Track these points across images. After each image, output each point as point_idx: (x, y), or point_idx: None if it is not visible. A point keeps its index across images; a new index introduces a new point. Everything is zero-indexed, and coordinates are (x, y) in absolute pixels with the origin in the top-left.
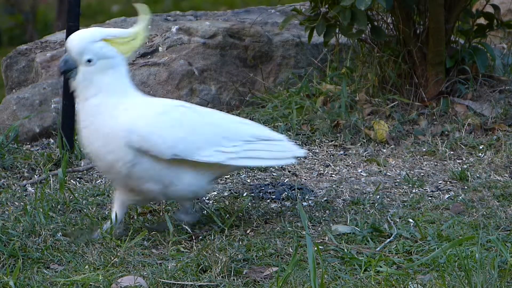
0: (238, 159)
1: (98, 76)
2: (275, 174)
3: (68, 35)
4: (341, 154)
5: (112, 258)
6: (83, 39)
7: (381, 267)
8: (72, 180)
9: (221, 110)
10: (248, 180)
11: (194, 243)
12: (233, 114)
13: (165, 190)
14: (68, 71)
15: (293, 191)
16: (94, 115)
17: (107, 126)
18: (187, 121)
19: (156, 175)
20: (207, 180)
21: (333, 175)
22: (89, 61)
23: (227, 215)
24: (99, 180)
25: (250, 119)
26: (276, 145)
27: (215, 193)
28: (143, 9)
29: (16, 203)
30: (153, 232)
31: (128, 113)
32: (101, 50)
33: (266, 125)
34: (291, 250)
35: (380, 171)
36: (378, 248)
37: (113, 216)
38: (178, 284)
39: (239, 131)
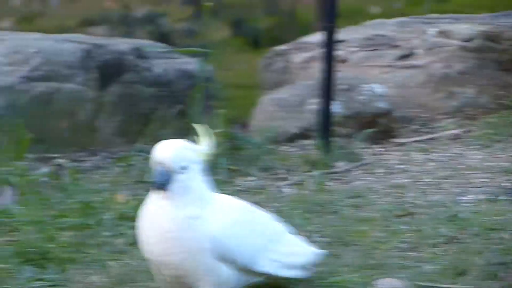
0: (279, 268)
1: (193, 183)
2: None
3: (325, 36)
4: None
5: (370, 260)
6: (177, 148)
7: None
8: (329, 182)
9: (476, 115)
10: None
11: (449, 246)
12: (490, 117)
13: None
14: (165, 183)
15: None
16: (185, 227)
17: (195, 238)
18: (254, 226)
19: (215, 274)
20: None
21: None
22: (183, 168)
23: (485, 218)
24: (356, 182)
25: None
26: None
27: (472, 196)
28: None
29: (273, 204)
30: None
31: (213, 222)
32: (192, 156)
33: None
34: None
35: None
36: None
37: None
38: (435, 287)
39: (284, 239)
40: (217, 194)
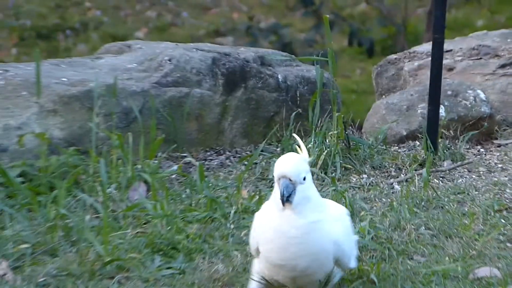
0: (355, 263)
1: (310, 192)
2: None
3: (433, 47)
4: None
5: (471, 251)
6: (298, 161)
7: None
8: (435, 179)
9: None
10: None
11: None
12: None
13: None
14: (291, 195)
15: None
16: (309, 232)
17: (319, 242)
18: (351, 233)
19: (328, 270)
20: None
21: None
22: (304, 179)
23: None
24: (460, 180)
25: None
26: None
27: None
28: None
29: (384, 200)
30: (509, 228)
31: (331, 226)
32: (307, 167)
33: None
34: None
35: None
36: None
37: None
38: None
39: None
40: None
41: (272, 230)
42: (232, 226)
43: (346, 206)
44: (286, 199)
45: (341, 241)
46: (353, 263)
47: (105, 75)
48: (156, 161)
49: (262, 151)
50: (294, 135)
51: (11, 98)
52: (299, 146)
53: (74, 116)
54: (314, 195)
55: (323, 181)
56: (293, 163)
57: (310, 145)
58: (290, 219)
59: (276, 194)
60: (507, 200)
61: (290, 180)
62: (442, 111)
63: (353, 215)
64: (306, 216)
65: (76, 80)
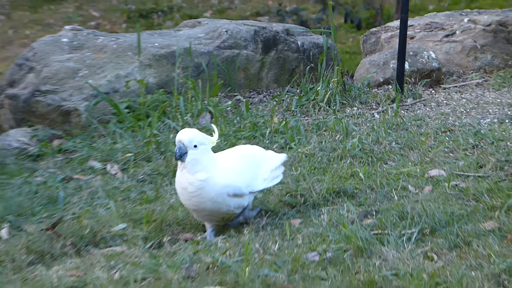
0: (273, 180)
1: (201, 156)
2: None
3: (401, 23)
4: None
5: (426, 158)
6: (192, 133)
7: None
8: (402, 111)
9: (492, 71)
10: None
11: (474, 150)
12: (500, 73)
13: (236, 208)
14: (182, 155)
15: None
16: (202, 187)
17: (211, 192)
18: (248, 165)
19: (235, 205)
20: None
21: None
22: (195, 146)
23: (496, 133)
24: (418, 111)
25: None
26: (277, 162)
27: (488, 120)
28: (216, 131)
29: (368, 124)
30: (451, 143)
31: (218, 178)
32: (201, 139)
33: None
34: None
35: None
36: None
37: (209, 231)
38: (464, 174)
39: (270, 164)
40: (220, 158)
41: (178, 186)
42: (267, 142)
43: (342, 130)
44: (179, 157)
45: (232, 182)
46: (263, 184)
47: (183, 41)
48: (217, 98)
49: (287, 92)
50: (213, 125)
51: (121, 57)
52: (213, 131)
53: (162, 69)
54: (205, 160)
55: (327, 112)
56: (188, 134)
57: (319, 88)
58: (187, 177)
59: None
60: (450, 125)
61: (183, 144)
62: (406, 65)
63: (347, 134)
64: (197, 176)
65: (164, 45)
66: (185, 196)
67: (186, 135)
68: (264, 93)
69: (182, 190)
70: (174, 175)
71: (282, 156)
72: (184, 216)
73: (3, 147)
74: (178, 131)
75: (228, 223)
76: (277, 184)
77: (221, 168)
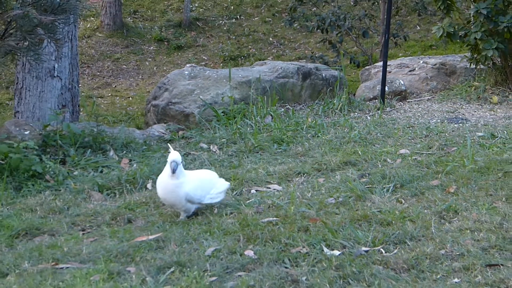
0: (213, 200)
1: (181, 169)
2: None
3: (383, 64)
4: None
5: (397, 142)
6: (179, 155)
7: None
8: (384, 114)
9: (436, 91)
10: None
11: (431, 137)
12: (441, 93)
13: (185, 209)
14: (175, 169)
15: None
16: (174, 190)
17: (180, 194)
18: (203, 185)
19: (186, 207)
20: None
21: None
22: (180, 163)
23: (440, 129)
24: (394, 115)
25: (447, 94)
26: (222, 188)
27: (435, 120)
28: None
29: (363, 122)
30: (410, 132)
31: (185, 186)
32: (181, 161)
33: None
34: None
35: None
36: None
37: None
38: (420, 152)
39: (216, 185)
40: (193, 174)
41: (160, 186)
42: (304, 133)
43: (348, 126)
44: (173, 172)
45: (191, 192)
46: (207, 200)
47: (255, 74)
48: (274, 107)
49: (316, 103)
50: (169, 145)
51: (219, 82)
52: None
53: (243, 90)
54: (182, 171)
55: (340, 115)
56: (179, 156)
57: (335, 101)
58: (172, 181)
59: (167, 168)
60: (411, 123)
61: (177, 162)
62: (386, 88)
63: (351, 128)
64: (177, 181)
65: (244, 75)
66: (165, 195)
67: (178, 157)
68: (303, 104)
69: (163, 189)
70: (250, 153)
71: (226, 185)
72: (255, 176)
73: (150, 135)
74: (253, 127)
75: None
76: (216, 203)
77: (188, 180)
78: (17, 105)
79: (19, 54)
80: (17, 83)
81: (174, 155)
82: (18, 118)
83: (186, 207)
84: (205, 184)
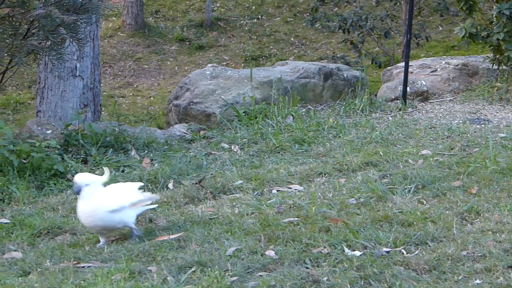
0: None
1: (92, 192)
2: None
3: (405, 64)
4: None
5: (419, 143)
6: (82, 177)
7: None
8: (405, 115)
9: (458, 92)
10: None
11: (453, 138)
12: (464, 93)
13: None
14: (78, 191)
15: None
16: (90, 213)
17: (95, 217)
18: (123, 204)
19: (110, 225)
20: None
21: None
22: (87, 185)
23: (462, 129)
24: (415, 115)
25: (470, 95)
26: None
27: (457, 121)
28: (107, 172)
29: (385, 122)
30: (433, 132)
31: (104, 204)
32: (91, 179)
33: None
34: None
35: None
36: None
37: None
38: (442, 153)
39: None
40: (106, 189)
41: (78, 211)
42: (326, 133)
43: (369, 126)
44: (75, 193)
45: (110, 211)
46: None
47: (277, 74)
48: (296, 107)
49: (337, 104)
50: (105, 168)
51: (240, 82)
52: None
53: (264, 90)
54: (95, 195)
55: (361, 115)
56: (79, 177)
57: (356, 102)
58: (81, 205)
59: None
60: (433, 124)
61: (77, 184)
62: (408, 89)
63: (372, 129)
64: (87, 204)
65: (265, 76)
66: (81, 219)
67: (78, 178)
68: (324, 104)
69: (81, 213)
70: (271, 154)
71: (152, 196)
72: (276, 177)
73: (171, 135)
74: (274, 128)
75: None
76: (142, 212)
77: (106, 199)
78: (39, 104)
79: (41, 54)
80: (39, 83)
81: (76, 176)
82: (40, 117)
83: (109, 225)
84: (123, 198)
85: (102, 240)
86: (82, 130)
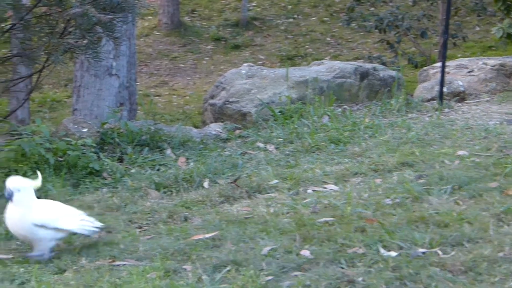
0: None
1: (23, 198)
2: None
3: (441, 65)
4: None
5: (456, 143)
6: (14, 181)
7: None
8: (441, 115)
9: (495, 93)
10: None
11: (489, 139)
12: (501, 94)
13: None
14: (10, 196)
15: None
16: (18, 220)
17: (22, 224)
18: (53, 217)
19: (35, 237)
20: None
21: None
22: (18, 190)
23: (499, 130)
24: (452, 116)
25: (506, 96)
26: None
27: (493, 122)
28: (39, 178)
29: (421, 123)
30: (470, 134)
31: (34, 215)
32: (23, 184)
33: None
34: None
35: None
36: None
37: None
38: (479, 154)
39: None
40: (42, 201)
41: (8, 216)
42: (361, 133)
43: (406, 127)
44: (6, 199)
45: (40, 221)
46: (67, 226)
47: (313, 73)
48: (332, 107)
49: (374, 103)
50: (38, 172)
51: (276, 82)
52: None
53: (300, 89)
54: (28, 200)
55: (397, 116)
56: (12, 182)
57: (392, 102)
58: (11, 212)
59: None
60: (470, 124)
61: (9, 189)
62: (444, 89)
63: (409, 129)
64: (17, 211)
65: (301, 75)
66: (10, 226)
67: (10, 183)
68: (360, 104)
69: (8, 219)
70: (307, 153)
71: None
72: (311, 176)
73: (207, 134)
74: (310, 127)
75: (29, 254)
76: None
77: (39, 208)
78: (75, 102)
79: (77, 52)
80: (75, 81)
81: (8, 181)
82: (76, 115)
83: (37, 236)
84: (53, 212)
85: (35, 249)
86: (118, 128)
